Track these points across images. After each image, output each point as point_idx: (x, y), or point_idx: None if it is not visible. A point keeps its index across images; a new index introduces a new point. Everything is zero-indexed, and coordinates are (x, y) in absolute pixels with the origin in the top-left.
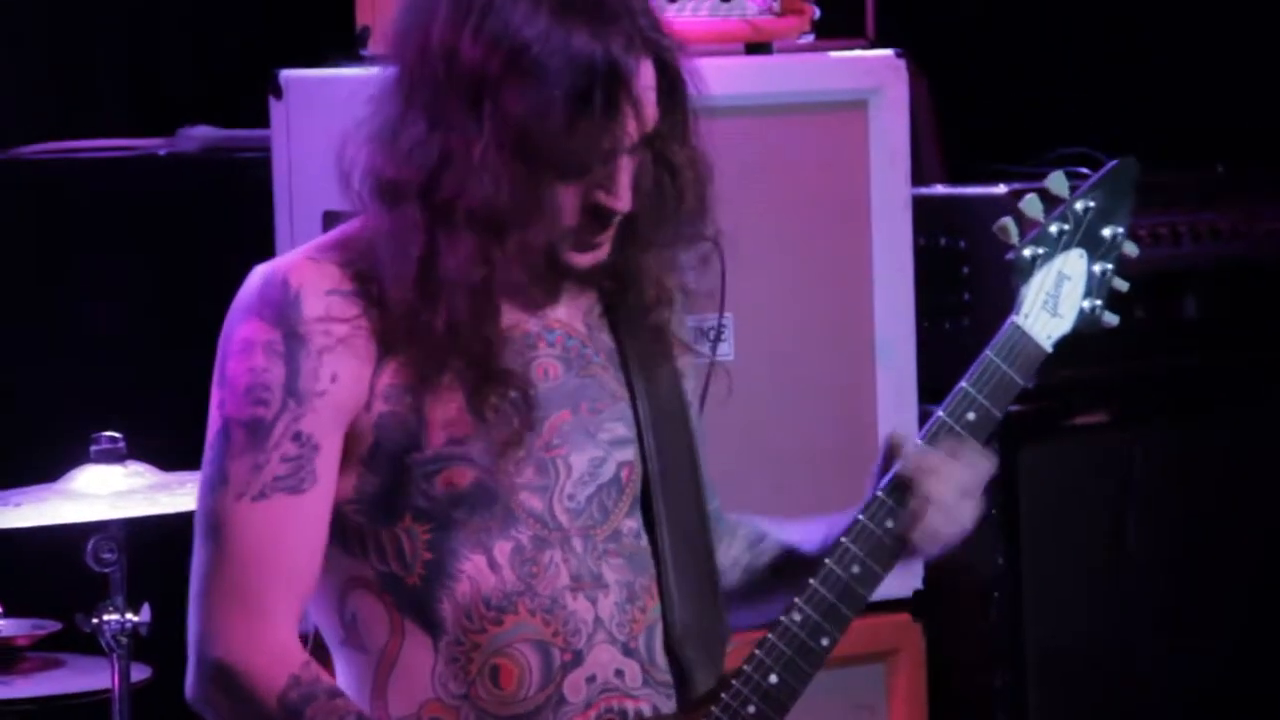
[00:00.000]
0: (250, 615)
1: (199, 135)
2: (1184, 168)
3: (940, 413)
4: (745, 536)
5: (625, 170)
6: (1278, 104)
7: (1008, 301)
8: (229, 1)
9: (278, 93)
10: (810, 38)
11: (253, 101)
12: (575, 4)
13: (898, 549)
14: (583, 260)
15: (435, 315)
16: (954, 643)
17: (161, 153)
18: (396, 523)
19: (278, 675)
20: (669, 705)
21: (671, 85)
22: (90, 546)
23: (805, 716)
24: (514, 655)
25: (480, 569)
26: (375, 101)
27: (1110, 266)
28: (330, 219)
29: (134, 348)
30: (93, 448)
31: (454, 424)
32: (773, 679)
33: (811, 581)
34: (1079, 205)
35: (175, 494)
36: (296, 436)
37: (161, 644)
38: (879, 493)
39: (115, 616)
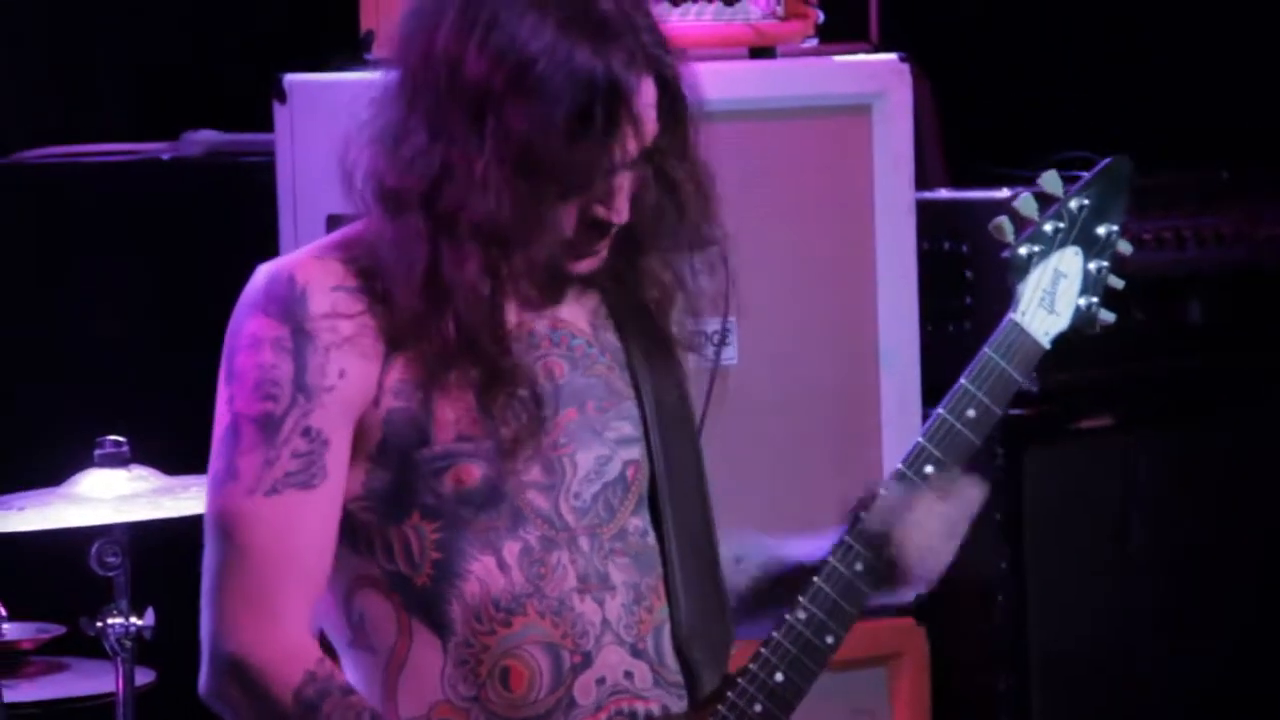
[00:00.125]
0: (264, 611)
1: (202, 139)
2: (1186, 171)
3: (941, 410)
4: (726, 554)
5: (624, 185)
6: None
7: (1010, 305)
8: (233, 5)
9: (281, 97)
10: (814, 42)
11: (256, 105)
12: (579, 20)
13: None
14: (581, 267)
15: (444, 321)
16: (957, 646)
17: (165, 157)
18: (405, 520)
19: (293, 671)
20: (680, 705)
21: (673, 102)
22: (94, 550)
23: None
24: (523, 657)
25: (489, 570)
26: (378, 104)
27: (1106, 264)
28: (334, 222)
29: (138, 351)
30: (97, 451)
31: (462, 421)
32: (778, 677)
33: (815, 579)
34: (1073, 204)
35: (179, 498)
36: (306, 432)
37: (166, 648)
38: (847, 538)
39: (119, 620)
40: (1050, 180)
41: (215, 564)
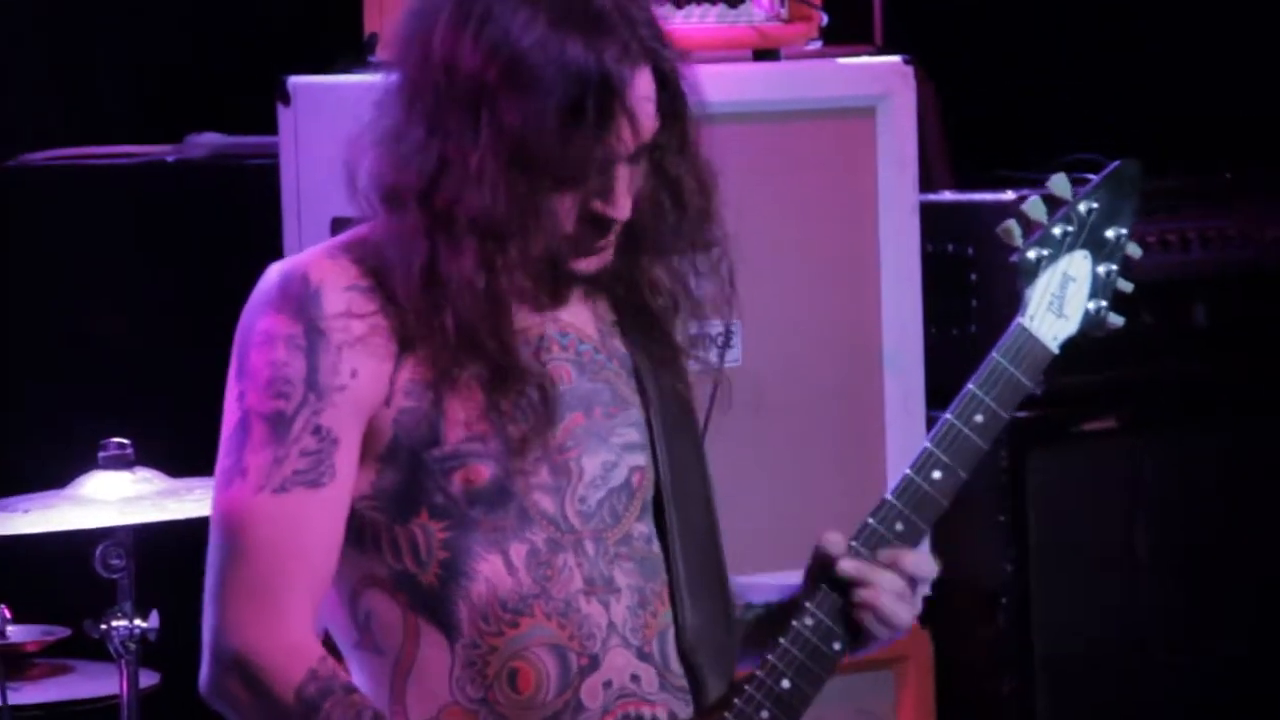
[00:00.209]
0: (268, 608)
1: (207, 142)
2: (1193, 174)
3: (948, 415)
4: None
5: (622, 179)
6: None
7: (1015, 307)
8: (237, 8)
9: (285, 99)
10: (818, 44)
11: (260, 108)
12: (572, 14)
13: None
14: (586, 266)
15: (445, 317)
16: (962, 649)
17: (169, 159)
18: (412, 519)
19: (295, 669)
20: (686, 711)
21: (672, 97)
22: (99, 552)
23: None
24: (531, 659)
25: (497, 570)
26: (379, 106)
27: (1115, 268)
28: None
29: (142, 354)
30: (101, 454)
31: (472, 421)
32: (785, 684)
33: (823, 585)
34: (1082, 207)
35: (184, 500)
36: (316, 430)
37: (170, 650)
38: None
39: (123, 622)
40: (1059, 183)
41: (220, 560)
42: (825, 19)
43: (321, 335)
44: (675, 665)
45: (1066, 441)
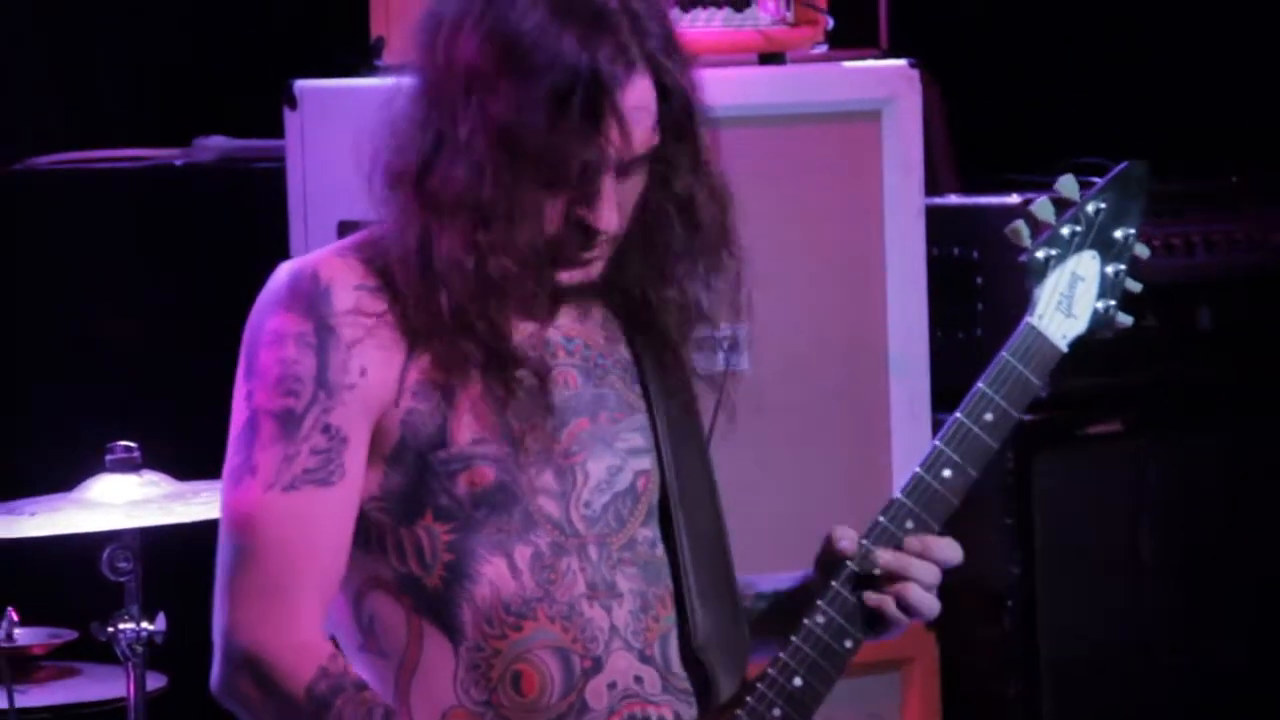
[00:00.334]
0: (278, 606)
1: (214, 145)
2: (1198, 177)
3: (958, 414)
4: None
5: (608, 189)
6: None
7: (1021, 310)
8: (243, 11)
9: (292, 103)
10: (823, 48)
11: (267, 111)
12: (574, 8)
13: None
14: (571, 277)
15: (439, 299)
16: (968, 651)
17: (177, 163)
18: (417, 521)
19: (307, 666)
20: (690, 712)
21: (680, 114)
22: (106, 555)
23: None
24: (535, 661)
25: (501, 573)
26: (394, 102)
27: (1123, 268)
28: (345, 228)
29: (149, 357)
30: (108, 457)
31: (478, 424)
32: (797, 681)
33: (833, 583)
34: (1090, 207)
35: (190, 503)
36: (326, 429)
37: (177, 653)
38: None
39: (130, 625)
40: (1067, 184)
41: (230, 559)
42: (831, 22)
43: (332, 333)
44: (678, 668)
45: (1072, 445)
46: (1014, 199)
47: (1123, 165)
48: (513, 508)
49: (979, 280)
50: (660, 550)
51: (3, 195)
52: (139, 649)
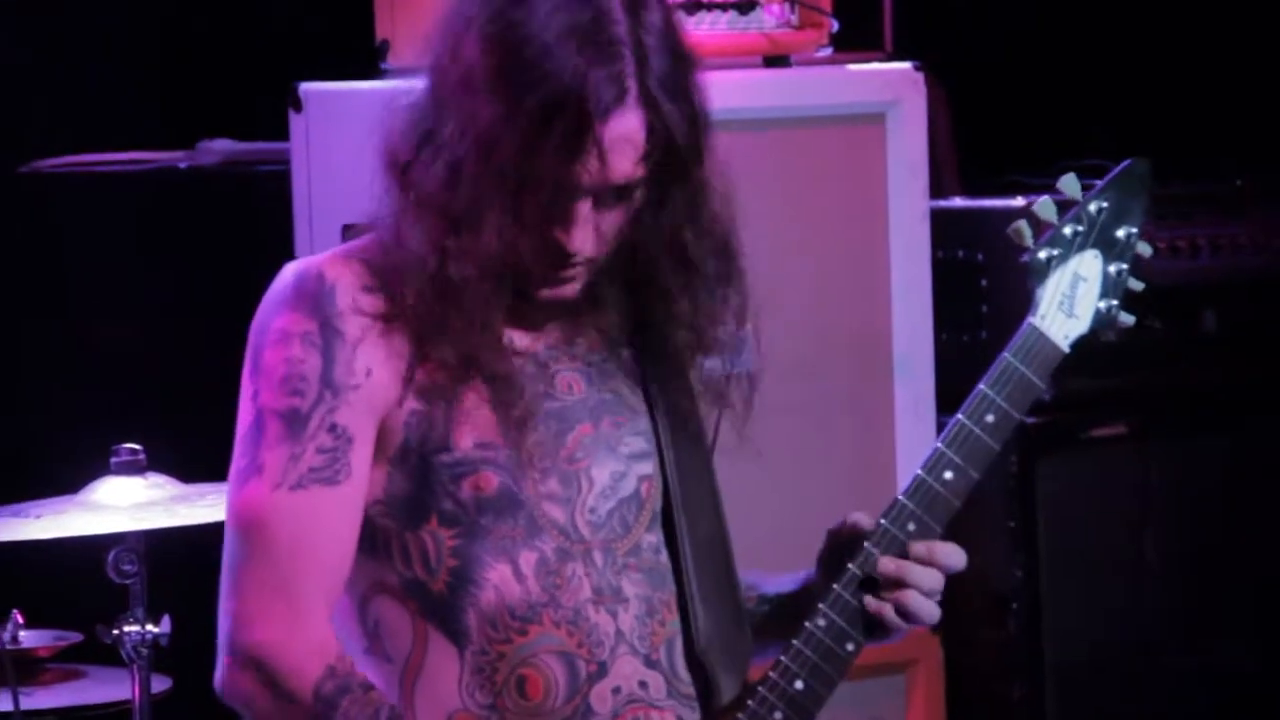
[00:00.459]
0: (285, 605)
1: (219, 148)
2: (1203, 180)
3: (960, 415)
4: None
5: (585, 213)
6: None
7: (1025, 312)
8: (248, 14)
9: (297, 105)
10: (828, 51)
11: (272, 114)
12: (581, 30)
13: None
14: (547, 294)
15: (411, 291)
16: (972, 654)
17: (182, 166)
18: (422, 526)
19: (313, 665)
20: (693, 717)
21: (673, 152)
22: (111, 558)
23: None
24: (539, 666)
25: (505, 578)
26: (404, 97)
27: (1125, 267)
28: (349, 232)
29: (154, 360)
30: (113, 459)
31: (482, 428)
32: (798, 685)
33: (835, 586)
34: (1092, 207)
35: (195, 506)
36: (332, 428)
37: (182, 655)
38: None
39: (136, 628)
40: (1069, 183)
41: (236, 558)
42: (836, 25)
43: (337, 333)
44: (683, 673)
45: (1076, 447)
46: (1018, 201)
47: (1125, 164)
48: (517, 513)
49: (983, 282)
50: (664, 555)
51: (8, 198)
52: (144, 651)
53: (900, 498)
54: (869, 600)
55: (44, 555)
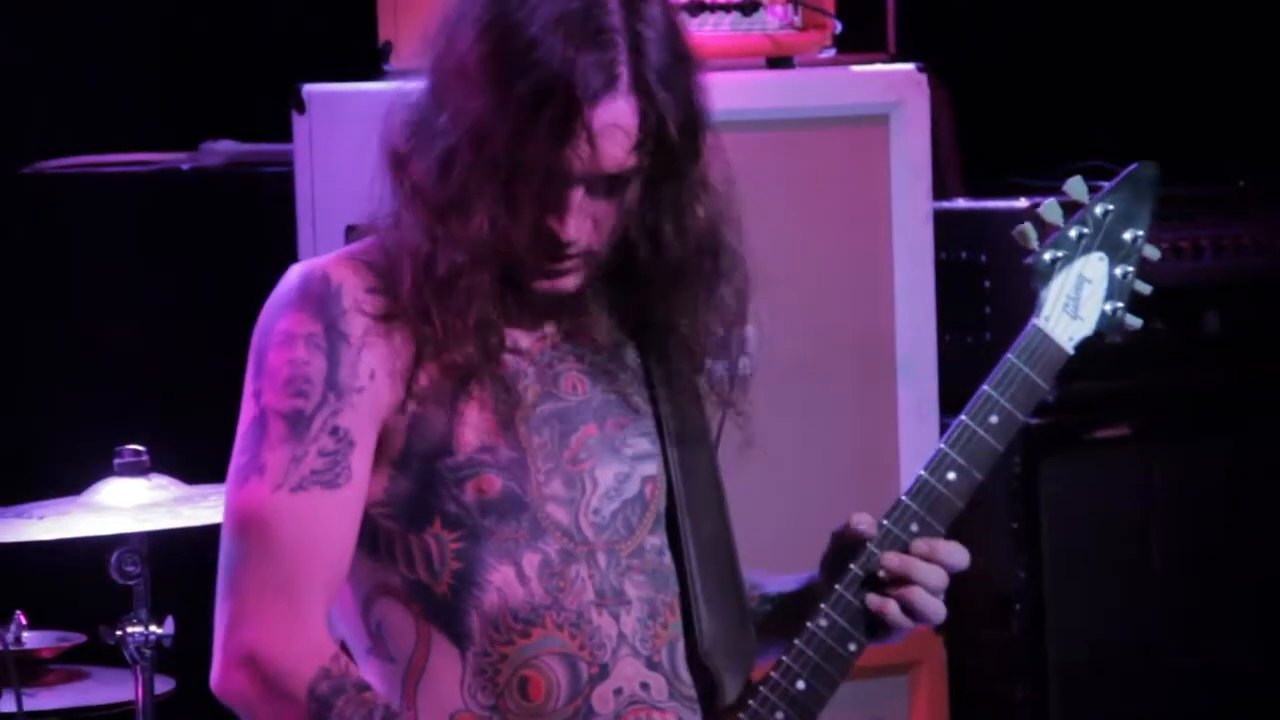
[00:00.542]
0: (282, 605)
1: (222, 150)
2: (1206, 181)
3: (963, 416)
4: None
5: (577, 201)
6: None
7: (1029, 313)
8: (251, 15)
9: (300, 107)
10: (831, 52)
11: (276, 115)
12: (572, 19)
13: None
14: (543, 287)
15: (406, 279)
16: (975, 655)
17: (184, 167)
18: (426, 529)
19: (308, 666)
20: (695, 718)
21: (666, 143)
22: (114, 559)
23: None
24: (541, 667)
25: (509, 580)
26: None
27: (1131, 269)
28: (352, 233)
29: (157, 361)
30: (116, 461)
31: (485, 431)
32: (800, 685)
33: (837, 587)
34: (1098, 209)
35: (199, 507)
36: (334, 431)
37: (185, 656)
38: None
39: (139, 629)
40: (1075, 186)
41: (234, 557)
42: (839, 27)
43: (342, 335)
44: (685, 674)
45: (1079, 449)
46: (1022, 203)
47: (1132, 167)
48: (521, 515)
49: (987, 284)
50: (668, 558)
51: (11, 199)
52: (147, 652)
53: (903, 498)
54: (872, 598)
55: (47, 556)
